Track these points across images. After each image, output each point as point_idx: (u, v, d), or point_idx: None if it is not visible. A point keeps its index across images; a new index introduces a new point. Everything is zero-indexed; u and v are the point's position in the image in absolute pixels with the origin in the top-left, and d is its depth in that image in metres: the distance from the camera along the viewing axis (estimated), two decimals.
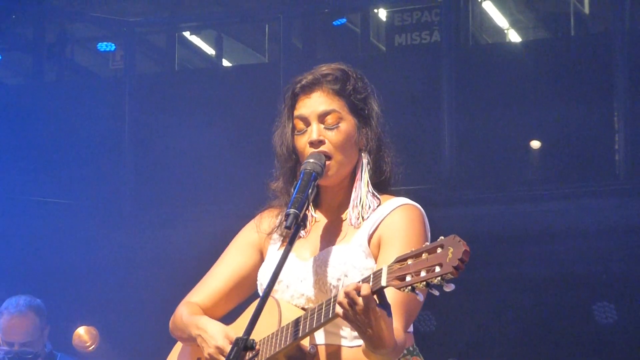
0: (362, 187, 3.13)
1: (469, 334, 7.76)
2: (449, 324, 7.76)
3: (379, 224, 3.07)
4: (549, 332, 7.66)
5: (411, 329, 3.11)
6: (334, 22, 9.01)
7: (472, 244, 2.60)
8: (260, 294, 3.15)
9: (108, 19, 9.42)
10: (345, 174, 3.14)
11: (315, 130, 3.10)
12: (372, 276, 2.73)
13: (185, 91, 8.56)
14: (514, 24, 10.64)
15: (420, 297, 2.69)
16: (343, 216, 3.16)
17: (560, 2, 9.73)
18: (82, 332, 7.55)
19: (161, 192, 8.33)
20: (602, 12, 9.51)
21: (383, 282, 2.68)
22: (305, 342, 2.98)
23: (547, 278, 7.61)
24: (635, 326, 7.50)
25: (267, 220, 3.26)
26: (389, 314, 2.73)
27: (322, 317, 2.85)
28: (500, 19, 10.48)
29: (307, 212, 3.01)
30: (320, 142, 3.10)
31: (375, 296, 2.70)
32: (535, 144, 7.80)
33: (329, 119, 3.11)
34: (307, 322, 2.89)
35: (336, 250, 3.07)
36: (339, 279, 3.02)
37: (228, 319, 3.23)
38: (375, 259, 3.05)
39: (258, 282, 3.21)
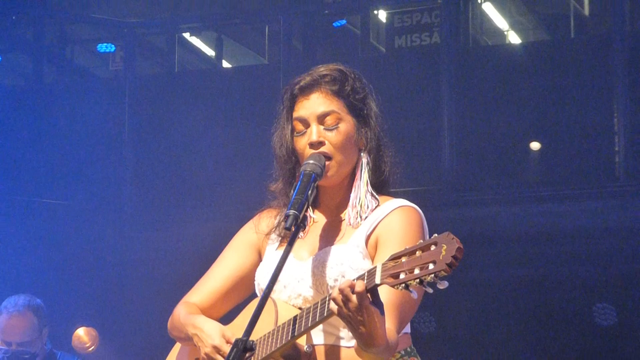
0: (362, 186, 3.13)
1: (469, 334, 7.76)
2: (449, 324, 7.75)
3: (377, 225, 3.08)
4: (549, 333, 7.65)
5: (408, 330, 3.11)
6: (334, 24, 9.00)
7: (472, 245, 2.60)
8: (258, 294, 3.16)
9: (108, 20, 9.43)
10: (345, 174, 3.15)
11: (315, 132, 3.10)
12: (366, 274, 2.74)
13: (185, 92, 8.56)
14: (514, 25, 10.63)
15: (414, 295, 2.69)
16: (342, 216, 3.16)
17: (560, 3, 9.73)
18: (81, 333, 7.54)
19: (161, 192, 8.33)
20: (602, 13, 9.50)
21: (377, 280, 2.69)
22: (302, 342, 2.98)
23: (547, 279, 7.60)
24: (636, 328, 7.49)
25: (266, 221, 3.26)
26: (382, 313, 2.74)
27: (317, 315, 2.86)
28: (500, 21, 10.47)
29: (306, 213, 3.02)
30: (320, 144, 3.10)
31: (368, 294, 2.71)
32: (535, 145, 7.81)
33: (329, 120, 3.11)
34: (303, 321, 2.90)
35: (334, 250, 3.07)
36: (336, 280, 3.02)
37: (227, 319, 3.23)
38: (372, 259, 3.05)
39: (256, 282, 3.20)
